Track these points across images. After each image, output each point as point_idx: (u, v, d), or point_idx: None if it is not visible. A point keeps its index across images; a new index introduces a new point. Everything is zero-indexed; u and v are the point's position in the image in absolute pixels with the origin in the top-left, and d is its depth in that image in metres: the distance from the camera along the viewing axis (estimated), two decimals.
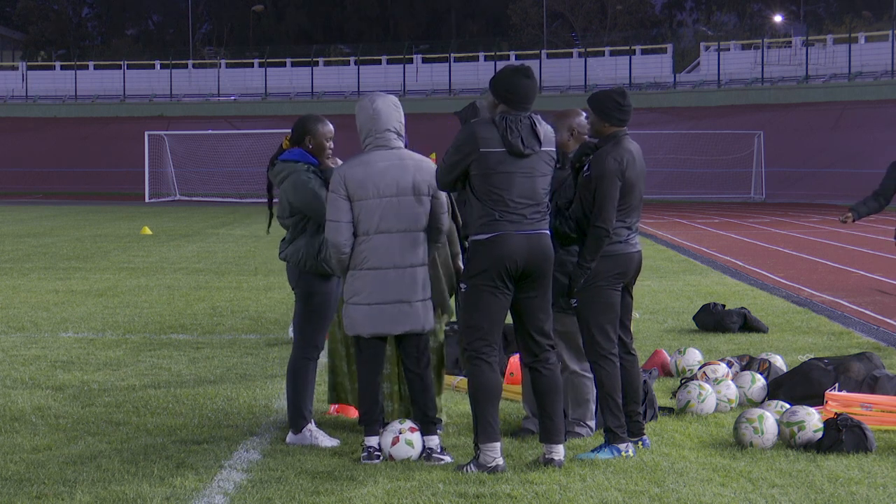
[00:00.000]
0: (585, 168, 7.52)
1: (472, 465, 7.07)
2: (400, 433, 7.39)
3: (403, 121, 7.55)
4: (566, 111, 8.16)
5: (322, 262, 7.72)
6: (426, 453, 7.36)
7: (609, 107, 7.51)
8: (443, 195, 7.48)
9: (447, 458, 7.34)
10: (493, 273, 7.11)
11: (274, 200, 8.15)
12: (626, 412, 7.59)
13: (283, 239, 7.91)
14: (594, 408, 8.11)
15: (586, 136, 8.04)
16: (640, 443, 7.64)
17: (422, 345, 7.54)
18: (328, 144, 7.89)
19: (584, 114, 8.16)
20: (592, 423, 8.10)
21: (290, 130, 7.92)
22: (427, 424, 7.44)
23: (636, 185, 7.53)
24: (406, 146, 7.58)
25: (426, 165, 7.46)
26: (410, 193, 7.36)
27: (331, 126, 7.97)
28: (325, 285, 7.79)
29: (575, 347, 8.06)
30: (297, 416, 7.79)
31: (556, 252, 7.53)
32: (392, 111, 7.44)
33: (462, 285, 7.25)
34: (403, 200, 7.35)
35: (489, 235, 7.12)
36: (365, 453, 7.34)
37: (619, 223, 7.49)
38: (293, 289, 7.93)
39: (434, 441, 7.40)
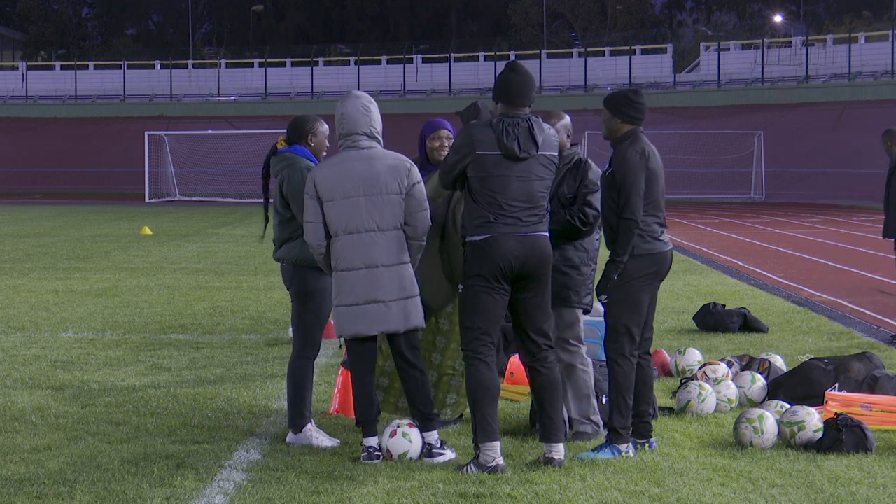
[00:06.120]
0: (607, 167, 7.55)
1: (472, 465, 7.08)
2: (398, 426, 7.39)
3: (378, 120, 7.49)
4: (553, 112, 8.17)
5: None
6: (426, 449, 7.36)
7: (622, 104, 7.60)
8: (418, 193, 7.40)
9: (448, 452, 7.35)
10: (488, 274, 7.11)
11: (270, 200, 8.13)
12: (636, 412, 7.57)
13: (275, 240, 7.93)
14: (595, 402, 8.08)
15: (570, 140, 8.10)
16: (646, 445, 7.60)
17: (410, 342, 7.49)
18: (327, 144, 7.97)
19: (568, 116, 8.23)
20: (597, 418, 8.04)
21: (285, 131, 7.97)
22: (424, 421, 7.43)
23: (659, 177, 7.56)
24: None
25: (400, 164, 7.39)
26: (379, 192, 7.33)
27: (327, 126, 8.04)
28: (320, 281, 7.79)
29: (576, 342, 8.05)
30: (297, 416, 7.79)
31: (555, 250, 7.54)
32: (360, 115, 7.41)
33: (460, 286, 7.27)
34: (371, 200, 7.33)
35: (484, 237, 7.13)
36: (365, 453, 7.34)
37: (652, 219, 7.49)
38: (288, 288, 7.94)
39: (433, 436, 7.39)
